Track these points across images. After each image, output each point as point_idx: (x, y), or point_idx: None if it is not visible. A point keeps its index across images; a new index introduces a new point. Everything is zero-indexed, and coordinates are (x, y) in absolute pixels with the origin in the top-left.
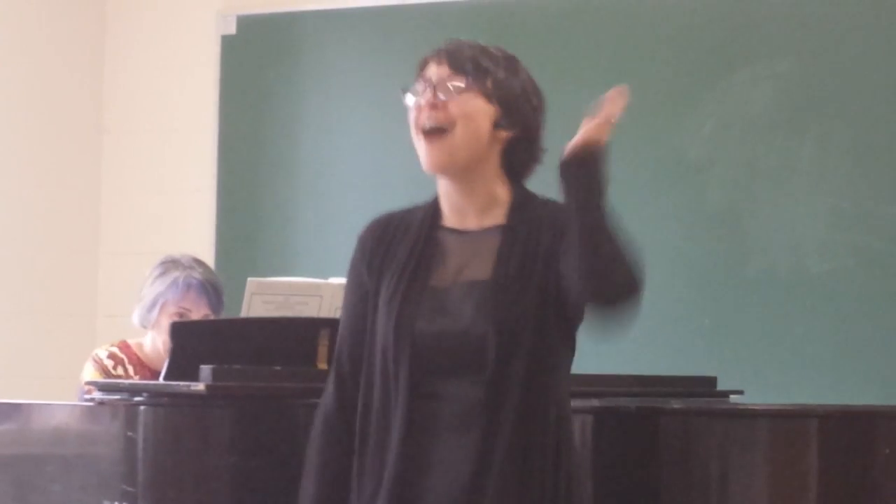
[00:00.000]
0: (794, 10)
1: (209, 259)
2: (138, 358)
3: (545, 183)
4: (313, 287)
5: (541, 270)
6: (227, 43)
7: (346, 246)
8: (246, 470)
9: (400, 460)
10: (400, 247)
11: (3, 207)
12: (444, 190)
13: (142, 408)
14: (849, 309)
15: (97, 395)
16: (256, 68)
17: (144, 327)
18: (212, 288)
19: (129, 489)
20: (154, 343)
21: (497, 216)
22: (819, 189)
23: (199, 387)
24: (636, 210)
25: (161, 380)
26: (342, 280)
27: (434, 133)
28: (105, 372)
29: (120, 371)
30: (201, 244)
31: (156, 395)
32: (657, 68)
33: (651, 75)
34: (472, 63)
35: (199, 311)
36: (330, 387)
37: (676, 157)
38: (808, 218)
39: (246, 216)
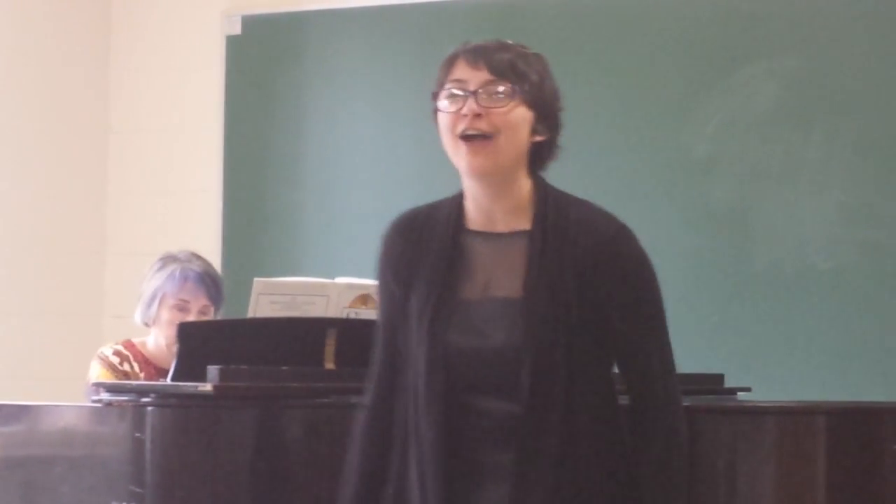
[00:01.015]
0: (798, 7)
1: (216, 259)
2: (143, 355)
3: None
4: (320, 287)
5: (571, 284)
6: (233, 43)
7: (352, 245)
8: (254, 470)
9: (439, 474)
10: (427, 253)
11: (10, 208)
12: (472, 192)
13: (149, 409)
14: (855, 305)
15: (105, 396)
16: (261, 68)
17: (146, 324)
18: (210, 279)
19: (138, 490)
20: (157, 339)
21: (523, 218)
22: (825, 185)
23: (207, 387)
24: (642, 208)
25: (169, 380)
26: (349, 280)
27: (477, 139)
28: (112, 368)
29: (126, 367)
30: (208, 244)
31: (163, 396)
32: (662, 66)
33: (656, 73)
34: (509, 67)
35: (197, 302)
36: (370, 385)
37: (682, 155)
38: (815, 214)
39: (252, 216)
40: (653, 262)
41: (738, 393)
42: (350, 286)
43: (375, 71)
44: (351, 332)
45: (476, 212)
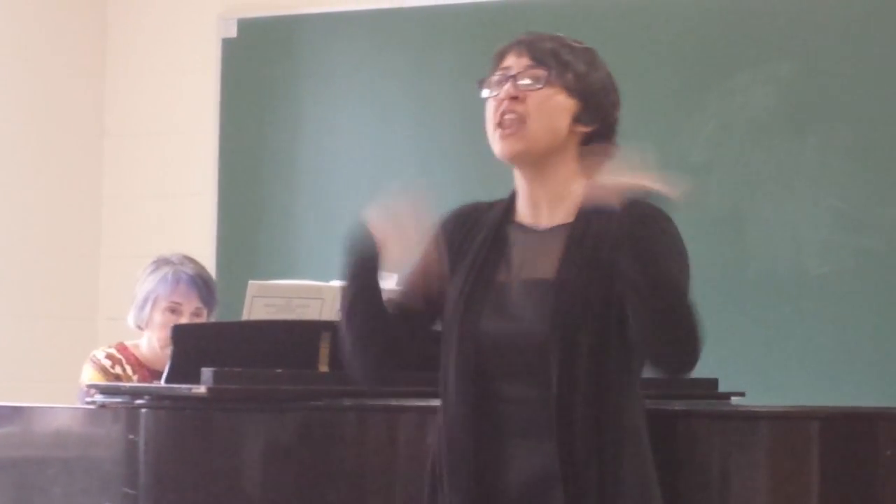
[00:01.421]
0: (795, 13)
1: (210, 262)
2: (136, 358)
3: None
4: (314, 290)
5: (605, 272)
6: (228, 46)
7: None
8: (247, 473)
9: (471, 459)
10: (473, 242)
11: (4, 211)
12: (519, 182)
13: (143, 411)
14: (850, 311)
15: (99, 398)
16: (257, 71)
17: (140, 328)
18: (202, 282)
19: (131, 492)
20: (150, 342)
21: (569, 212)
22: (820, 191)
23: (201, 389)
24: None
25: (162, 382)
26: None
27: (510, 124)
28: (104, 371)
29: (118, 370)
30: (202, 247)
31: (157, 398)
32: (658, 71)
33: (652, 77)
34: (553, 55)
35: (190, 305)
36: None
37: (677, 160)
38: (809, 220)
39: (247, 219)
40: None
41: (732, 398)
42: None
43: (371, 74)
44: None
45: (524, 202)
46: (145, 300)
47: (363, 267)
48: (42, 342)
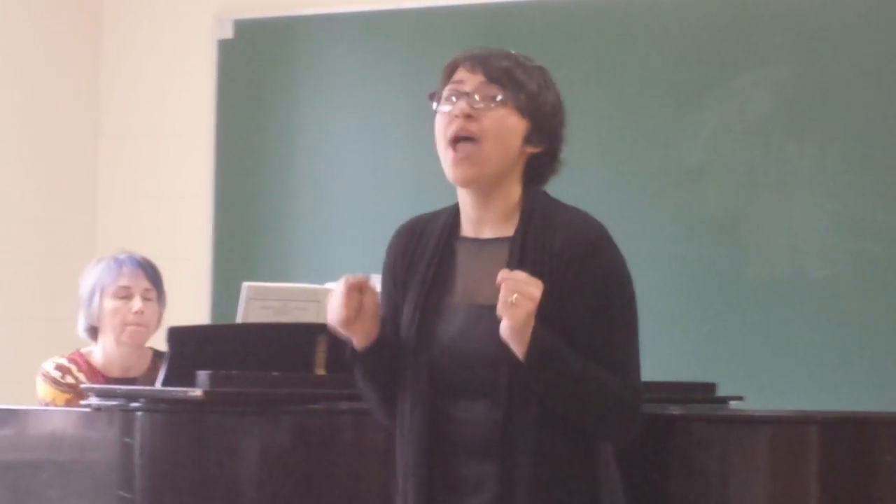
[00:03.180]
0: (793, 16)
1: (206, 264)
2: (89, 364)
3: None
4: (311, 292)
5: (548, 289)
6: (224, 47)
7: (343, 251)
8: (243, 476)
9: (424, 481)
10: (421, 260)
11: (0, 212)
12: (463, 200)
13: (139, 413)
14: (848, 314)
15: (94, 400)
16: (253, 73)
17: (91, 329)
18: (146, 262)
19: (126, 495)
20: (104, 345)
21: (510, 225)
22: (818, 194)
23: (197, 392)
24: (636, 216)
25: (158, 385)
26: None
27: (462, 142)
28: (55, 384)
29: (70, 380)
30: (198, 249)
31: (153, 401)
32: (656, 74)
33: (650, 80)
34: (506, 74)
35: (139, 286)
36: None
37: (676, 163)
38: (808, 223)
39: (243, 221)
40: (644, 271)
41: (731, 402)
42: None
43: (367, 75)
44: (342, 338)
45: (466, 219)
46: (91, 294)
47: (371, 359)
48: (37, 343)
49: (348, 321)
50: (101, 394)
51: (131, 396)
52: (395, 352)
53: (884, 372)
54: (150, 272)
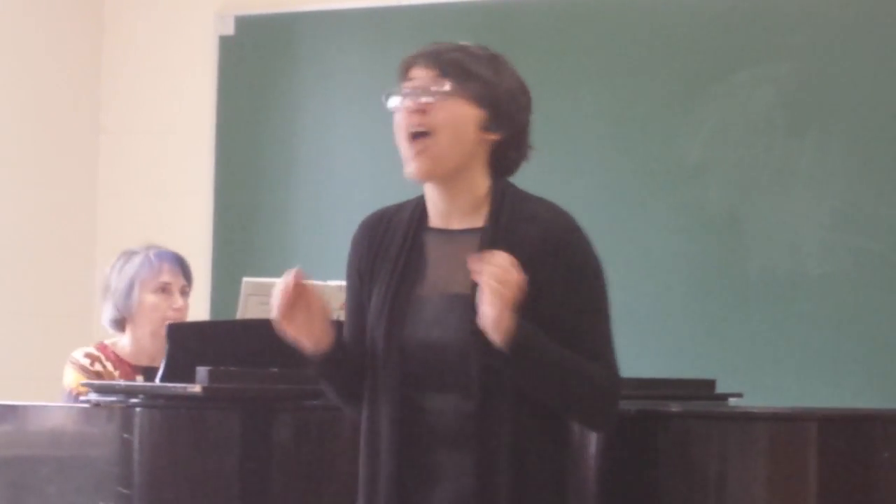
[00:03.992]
0: (794, 13)
1: (206, 260)
2: (115, 354)
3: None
4: None
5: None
6: (225, 43)
7: (343, 248)
8: (242, 472)
9: (395, 472)
10: (388, 252)
11: (0, 208)
12: (429, 193)
13: (138, 409)
14: (848, 311)
15: (93, 396)
16: (254, 69)
17: (121, 320)
18: (182, 259)
19: (125, 491)
20: (135, 334)
21: (479, 216)
22: (818, 191)
23: (196, 388)
24: (636, 213)
25: (157, 381)
26: (340, 282)
27: (418, 137)
28: (84, 370)
29: (98, 367)
30: (198, 245)
31: (152, 397)
32: (657, 70)
33: (651, 77)
34: (456, 66)
35: (177, 283)
36: None
37: (676, 160)
38: (808, 220)
39: (243, 217)
40: (644, 267)
41: (730, 398)
42: (341, 288)
43: (368, 72)
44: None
45: (434, 211)
46: (130, 286)
47: (326, 367)
48: (36, 340)
49: (285, 314)
50: (101, 389)
51: (130, 392)
52: (354, 357)
53: (883, 368)
54: (186, 269)
